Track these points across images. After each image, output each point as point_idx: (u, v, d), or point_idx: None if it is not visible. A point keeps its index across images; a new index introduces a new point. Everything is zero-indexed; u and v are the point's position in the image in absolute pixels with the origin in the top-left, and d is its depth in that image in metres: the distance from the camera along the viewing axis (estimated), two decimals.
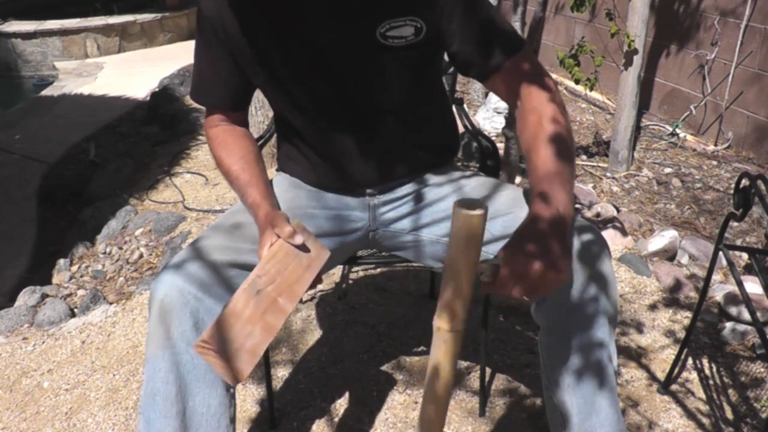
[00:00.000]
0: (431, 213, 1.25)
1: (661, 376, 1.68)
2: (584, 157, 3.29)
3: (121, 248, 2.51)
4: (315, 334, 1.89)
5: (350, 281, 2.16)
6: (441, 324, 0.83)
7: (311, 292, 2.08)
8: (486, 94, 3.93)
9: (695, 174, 3.05)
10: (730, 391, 1.64)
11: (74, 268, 2.44)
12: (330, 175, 1.26)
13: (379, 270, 2.21)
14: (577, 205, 2.58)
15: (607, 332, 1.04)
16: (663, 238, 2.26)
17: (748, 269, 2.17)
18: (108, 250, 2.52)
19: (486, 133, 3.44)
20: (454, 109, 1.49)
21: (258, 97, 2.67)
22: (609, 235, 2.31)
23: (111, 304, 2.12)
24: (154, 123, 4.01)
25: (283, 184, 1.30)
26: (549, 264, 0.83)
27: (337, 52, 1.10)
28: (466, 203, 0.75)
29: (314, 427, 1.55)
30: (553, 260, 0.84)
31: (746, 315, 1.86)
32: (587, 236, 1.07)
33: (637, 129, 3.30)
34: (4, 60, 6.11)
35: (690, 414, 1.56)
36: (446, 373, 0.87)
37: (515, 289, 0.85)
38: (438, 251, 1.24)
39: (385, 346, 1.82)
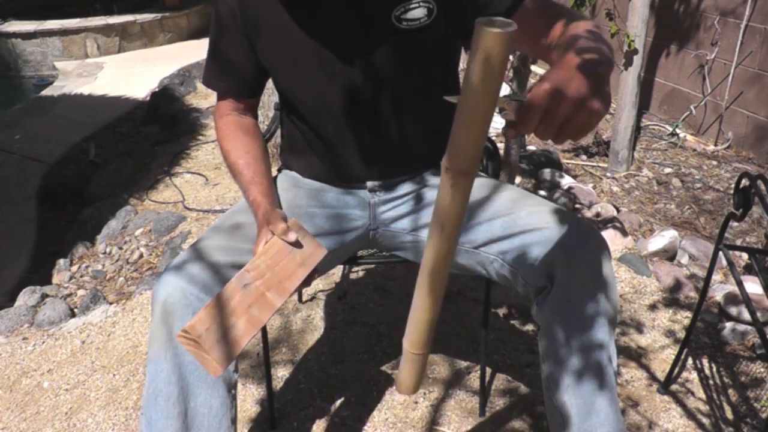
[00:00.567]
0: (431, 213, 1.24)
1: (661, 376, 1.68)
2: (584, 157, 3.29)
3: (121, 248, 2.51)
4: (315, 334, 1.89)
5: (350, 281, 2.16)
6: (449, 164, 0.73)
7: (311, 291, 2.08)
8: None
9: (695, 174, 3.05)
10: (730, 391, 1.64)
11: (74, 268, 2.44)
12: (333, 168, 1.26)
13: (379, 270, 2.21)
14: (577, 205, 2.58)
15: (607, 333, 1.04)
16: (663, 238, 2.26)
17: (748, 269, 2.17)
18: (108, 250, 2.52)
19: None
20: None
21: None
22: (609, 235, 2.31)
23: (111, 304, 2.12)
24: (154, 123, 4.01)
25: (283, 183, 1.30)
26: (580, 100, 0.72)
27: (352, 38, 1.11)
28: (490, 21, 0.63)
29: (314, 427, 1.55)
30: (586, 97, 0.72)
31: (746, 315, 1.86)
32: (587, 237, 1.08)
33: (637, 129, 3.30)
34: (4, 60, 6.11)
35: (690, 414, 1.56)
36: (454, 216, 0.77)
37: (541, 129, 0.73)
38: None
39: (385, 346, 1.82)
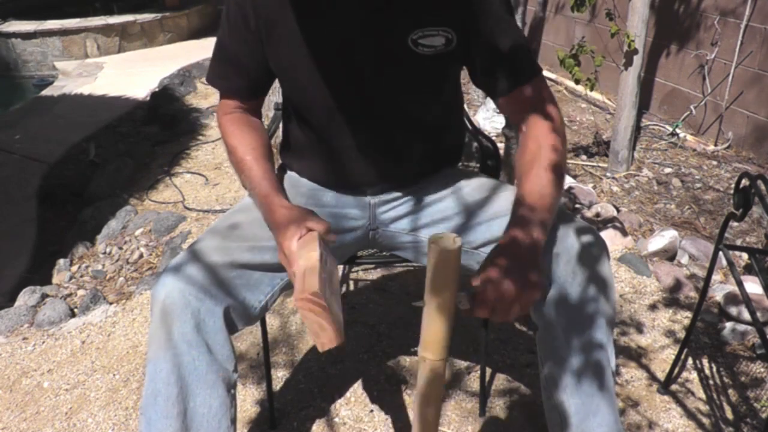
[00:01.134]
0: (430, 213, 1.25)
1: (661, 376, 1.68)
2: (584, 157, 3.29)
3: (121, 248, 2.51)
4: None
5: (350, 281, 2.16)
6: (426, 354, 0.88)
7: None
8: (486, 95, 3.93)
9: (695, 174, 3.05)
10: (730, 391, 1.64)
11: (74, 268, 2.45)
12: (333, 173, 1.26)
13: (379, 270, 2.21)
14: (577, 205, 2.58)
15: (606, 333, 1.04)
16: (663, 238, 2.26)
17: (748, 269, 2.17)
18: (108, 250, 2.52)
19: (486, 133, 3.44)
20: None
21: None
22: (609, 235, 2.31)
23: (111, 304, 2.12)
24: (154, 123, 4.01)
25: (282, 183, 1.30)
26: (521, 288, 0.89)
27: (365, 53, 1.10)
28: (441, 238, 0.80)
29: (314, 427, 1.55)
30: (524, 284, 0.89)
31: (746, 315, 1.86)
32: (586, 237, 1.08)
33: (637, 129, 3.30)
34: (4, 60, 6.11)
35: (690, 414, 1.56)
36: (434, 399, 0.93)
37: (493, 314, 0.90)
38: None
39: (385, 346, 1.82)
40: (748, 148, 3.20)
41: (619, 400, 1.52)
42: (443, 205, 1.24)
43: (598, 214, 2.50)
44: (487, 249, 1.15)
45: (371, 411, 1.59)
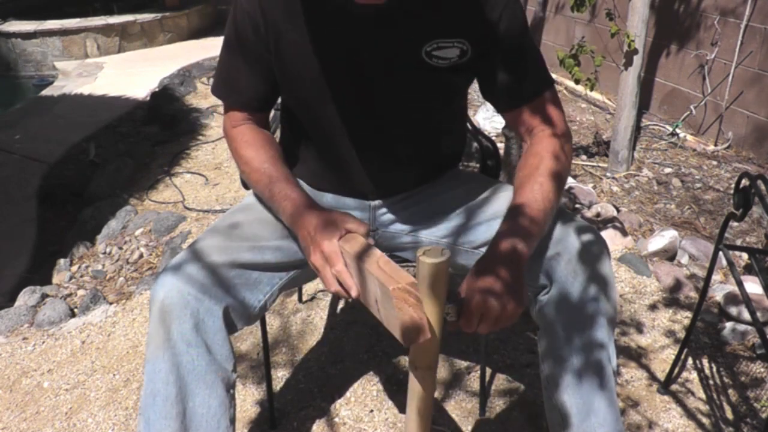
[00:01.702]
0: (431, 214, 1.24)
1: (661, 376, 1.68)
2: (584, 157, 3.29)
3: (121, 248, 2.51)
4: (315, 334, 1.89)
5: None
6: (416, 363, 0.90)
7: (311, 291, 2.08)
8: None
9: (695, 174, 3.05)
10: (730, 391, 1.64)
11: (74, 268, 2.44)
12: (334, 179, 1.25)
13: None
14: (577, 205, 2.58)
15: (607, 333, 1.04)
16: (663, 238, 2.26)
17: (748, 269, 2.17)
18: (108, 250, 2.52)
19: (486, 133, 3.44)
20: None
21: None
22: (609, 235, 2.31)
23: (111, 304, 2.12)
24: (154, 123, 4.01)
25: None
26: (504, 302, 0.90)
27: (375, 64, 1.09)
28: (430, 250, 0.82)
29: (314, 427, 1.55)
30: (507, 298, 0.90)
31: (746, 315, 1.86)
32: (587, 237, 1.08)
33: (637, 129, 3.30)
34: (4, 60, 6.11)
35: (690, 414, 1.56)
36: (425, 407, 0.93)
37: (479, 326, 0.92)
38: None
39: (385, 346, 1.82)
40: (748, 148, 3.20)
41: (619, 400, 1.52)
42: (443, 205, 1.24)
43: (598, 214, 2.50)
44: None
45: (371, 411, 1.59)
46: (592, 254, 1.06)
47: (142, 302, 2.09)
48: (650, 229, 2.48)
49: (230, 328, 1.08)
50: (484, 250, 1.16)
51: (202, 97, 4.56)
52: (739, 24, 3.11)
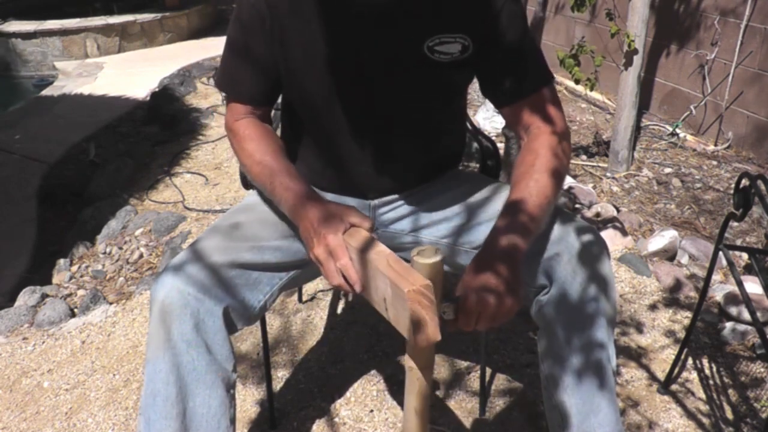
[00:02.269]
0: (431, 214, 1.24)
1: (661, 376, 1.68)
2: (584, 157, 3.29)
3: (121, 248, 2.51)
4: (315, 334, 1.89)
5: None
6: (412, 363, 0.91)
7: (311, 291, 2.08)
8: None
9: (695, 174, 3.05)
10: (730, 391, 1.64)
11: (74, 268, 2.45)
12: (335, 177, 1.25)
13: None
14: (577, 205, 2.58)
15: (606, 333, 1.04)
16: (663, 238, 2.26)
17: (748, 269, 2.17)
18: (108, 250, 2.52)
19: (486, 133, 3.44)
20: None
21: None
22: (609, 235, 2.31)
23: (111, 304, 2.12)
24: (154, 123, 4.01)
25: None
26: (501, 299, 0.90)
27: (377, 59, 1.09)
28: (424, 250, 0.82)
29: (314, 427, 1.55)
30: (504, 294, 0.90)
31: (746, 315, 1.86)
32: (587, 237, 1.08)
33: (637, 129, 3.30)
34: (4, 60, 6.11)
35: (690, 414, 1.56)
36: (423, 407, 0.94)
37: (478, 323, 0.91)
38: None
39: (385, 346, 1.82)
40: (748, 148, 3.20)
41: (619, 400, 1.52)
42: (443, 205, 1.24)
43: (598, 214, 2.50)
44: None
45: (371, 411, 1.59)
46: (592, 254, 1.06)
47: (142, 302, 2.09)
48: (650, 229, 2.48)
49: (230, 328, 1.08)
50: None
51: (202, 97, 4.56)
52: (739, 24, 3.11)
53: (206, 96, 4.55)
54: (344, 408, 1.60)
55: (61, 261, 2.47)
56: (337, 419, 1.57)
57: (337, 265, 0.94)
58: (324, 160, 1.24)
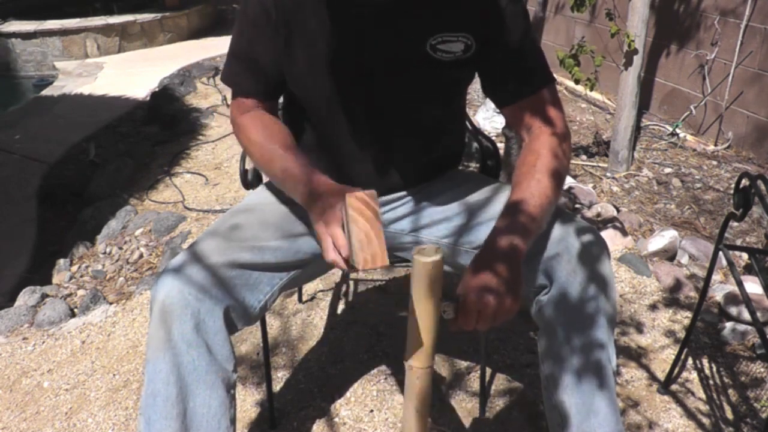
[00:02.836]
0: (431, 214, 1.25)
1: (661, 376, 1.68)
2: (584, 157, 3.29)
3: (121, 248, 2.51)
4: (315, 334, 1.89)
5: (350, 281, 2.16)
6: (413, 363, 0.92)
7: (311, 291, 2.08)
8: None
9: (695, 174, 3.05)
10: (730, 391, 1.64)
11: (74, 268, 2.45)
12: (335, 175, 1.25)
13: (379, 270, 2.21)
14: (577, 205, 2.58)
15: (606, 333, 1.04)
16: (663, 238, 2.26)
17: (748, 269, 2.17)
18: (108, 250, 2.52)
19: (486, 133, 3.44)
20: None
21: None
22: (609, 235, 2.31)
23: (111, 304, 2.12)
24: (154, 123, 4.01)
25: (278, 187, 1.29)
26: (501, 298, 0.91)
27: (379, 58, 1.09)
28: (424, 249, 0.82)
29: (314, 427, 1.55)
30: (504, 294, 0.91)
31: (746, 315, 1.86)
32: (587, 237, 1.08)
33: (637, 129, 3.30)
34: (4, 60, 6.11)
35: (690, 414, 1.56)
36: (423, 406, 0.95)
37: (478, 323, 0.92)
38: None
39: (385, 346, 1.82)
40: (748, 148, 3.20)
41: (619, 400, 1.52)
42: (444, 206, 1.24)
43: (598, 214, 2.50)
44: None
45: (371, 411, 1.59)
46: (592, 254, 1.06)
47: (142, 302, 2.09)
48: (650, 229, 2.48)
49: (231, 328, 1.08)
50: None
51: (202, 97, 4.56)
52: (739, 24, 3.11)
53: (206, 96, 4.55)
54: (344, 408, 1.60)
55: (61, 261, 2.47)
56: (337, 419, 1.57)
57: (329, 233, 0.94)
58: (324, 160, 1.24)
